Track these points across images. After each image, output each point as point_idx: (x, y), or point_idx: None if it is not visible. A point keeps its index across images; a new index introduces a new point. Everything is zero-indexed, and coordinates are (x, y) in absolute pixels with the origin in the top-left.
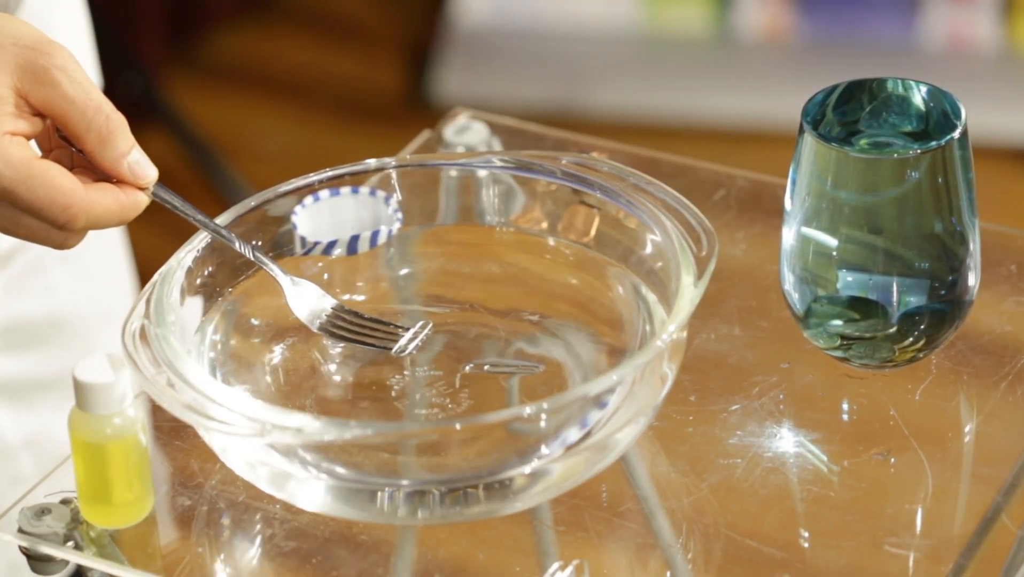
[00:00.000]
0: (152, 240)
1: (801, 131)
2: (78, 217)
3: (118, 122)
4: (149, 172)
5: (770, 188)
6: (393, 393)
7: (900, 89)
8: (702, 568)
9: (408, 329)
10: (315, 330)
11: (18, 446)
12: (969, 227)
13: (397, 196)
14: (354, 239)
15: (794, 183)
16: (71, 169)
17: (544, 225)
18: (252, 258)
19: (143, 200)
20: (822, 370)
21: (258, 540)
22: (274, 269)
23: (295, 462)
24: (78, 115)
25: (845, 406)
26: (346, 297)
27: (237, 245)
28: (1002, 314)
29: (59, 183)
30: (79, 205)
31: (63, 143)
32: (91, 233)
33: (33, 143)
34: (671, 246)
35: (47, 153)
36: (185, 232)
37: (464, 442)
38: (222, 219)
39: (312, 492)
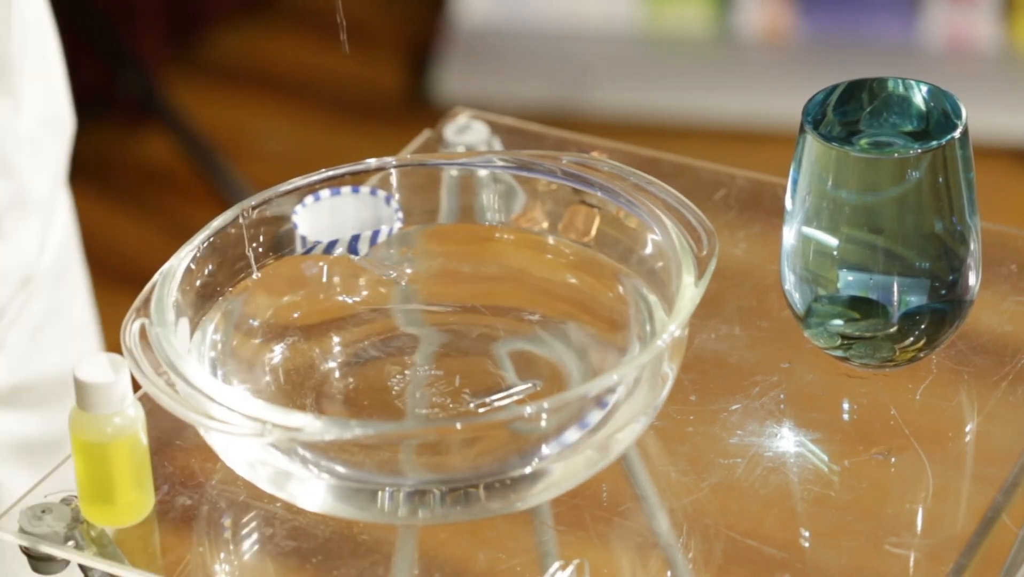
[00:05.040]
0: (151, 240)
1: (801, 131)
2: None
3: None
4: None
5: (770, 188)
6: (394, 392)
7: (900, 89)
8: (702, 568)
9: None
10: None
11: None
12: (970, 227)
13: (397, 196)
14: (355, 239)
15: (794, 183)
16: None
17: (544, 225)
18: None
19: None
20: (822, 370)
21: (258, 540)
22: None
23: (296, 461)
24: None
25: (845, 406)
26: (346, 297)
27: None
28: (1002, 314)
29: None
30: None
31: None
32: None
33: None
34: (671, 246)
35: None
36: (185, 232)
37: (465, 442)
38: (222, 219)
39: (313, 492)
